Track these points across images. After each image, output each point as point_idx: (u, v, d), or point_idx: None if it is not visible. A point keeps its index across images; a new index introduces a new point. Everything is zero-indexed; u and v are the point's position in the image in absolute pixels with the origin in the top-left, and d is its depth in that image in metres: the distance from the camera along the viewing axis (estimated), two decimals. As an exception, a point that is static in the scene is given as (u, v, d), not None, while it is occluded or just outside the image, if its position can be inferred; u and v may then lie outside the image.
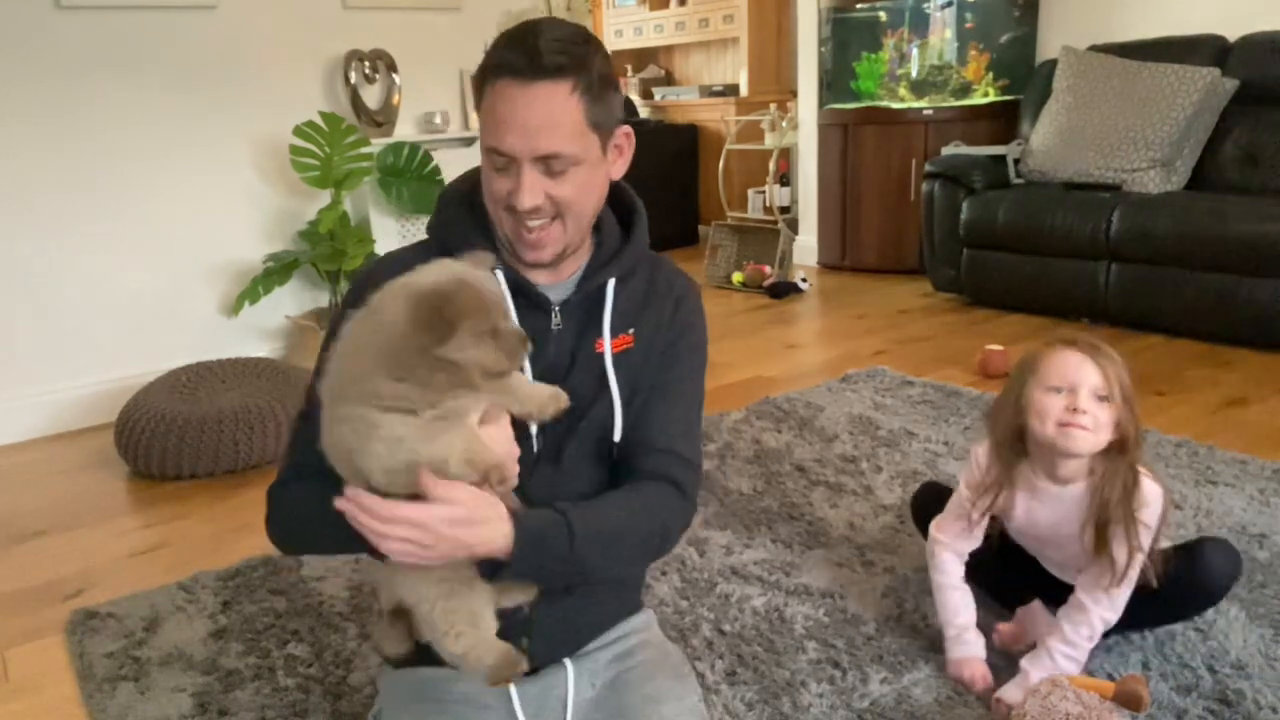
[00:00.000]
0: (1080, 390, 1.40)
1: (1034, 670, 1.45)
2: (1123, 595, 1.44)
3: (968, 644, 1.55)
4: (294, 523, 1.16)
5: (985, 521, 1.57)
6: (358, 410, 0.97)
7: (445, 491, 0.97)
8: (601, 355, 1.18)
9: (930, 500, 1.79)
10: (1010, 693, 1.45)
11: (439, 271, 0.98)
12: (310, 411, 1.16)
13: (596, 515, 1.11)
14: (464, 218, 1.17)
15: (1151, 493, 1.43)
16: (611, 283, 1.19)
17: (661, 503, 1.18)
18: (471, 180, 1.21)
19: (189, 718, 1.57)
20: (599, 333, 1.18)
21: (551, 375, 1.16)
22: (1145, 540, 1.42)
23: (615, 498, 1.16)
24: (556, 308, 1.17)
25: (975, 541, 1.59)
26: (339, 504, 0.98)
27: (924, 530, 1.71)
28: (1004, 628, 1.63)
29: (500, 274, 1.14)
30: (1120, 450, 1.43)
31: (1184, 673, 1.52)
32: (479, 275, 0.99)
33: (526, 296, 1.15)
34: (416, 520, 0.96)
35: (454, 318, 0.93)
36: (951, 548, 1.60)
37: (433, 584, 1.07)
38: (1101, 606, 1.44)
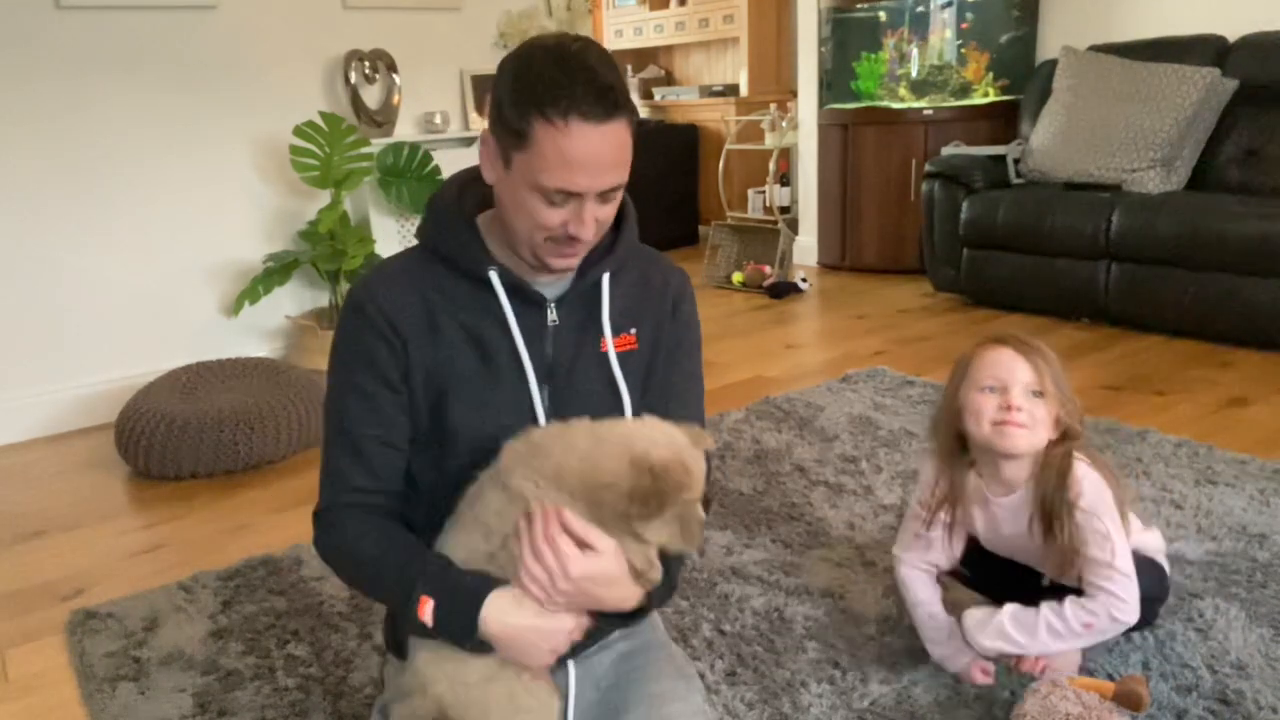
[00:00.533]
0: (1013, 388, 1.38)
1: (1008, 620, 1.41)
2: (1129, 589, 1.39)
3: (958, 658, 1.53)
4: (357, 563, 1.15)
5: (951, 537, 1.52)
6: (552, 494, 1.02)
7: (601, 542, 1.02)
8: (606, 355, 1.19)
9: None
10: (980, 633, 1.44)
11: (667, 445, 1.04)
12: (353, 432, 1.14)
13: None
14: (456, 224, 1.17)
15: (1086, 480, 1.39)
16: (606, 277, 1.19)
17: None
18: (460, 184, 1.20)
19: (189, 718, 1.57)
20: (600, 331, 1.19)
21: (554, 371, 1.16)
22: (1101, 525, 1.38)
23: None
24: (552, 304, 1.17)
25: (943, 557, 1.55)
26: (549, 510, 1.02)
27: None
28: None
29: (494, 274, 1.14)
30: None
31: (1184, 673, 1.52)
32: (695, 456, 1.05)
33: (522, 294, 1.15)
34: (567, 561, 1.01)
35: (664, 503, 1.01)
36: (914, 565, 1.56)
37: (486, 692, 1.08)
38: (1112, 595, 1.38)
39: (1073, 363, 3.19)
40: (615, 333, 1.20)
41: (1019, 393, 1.38)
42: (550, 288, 1.18)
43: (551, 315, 1.17)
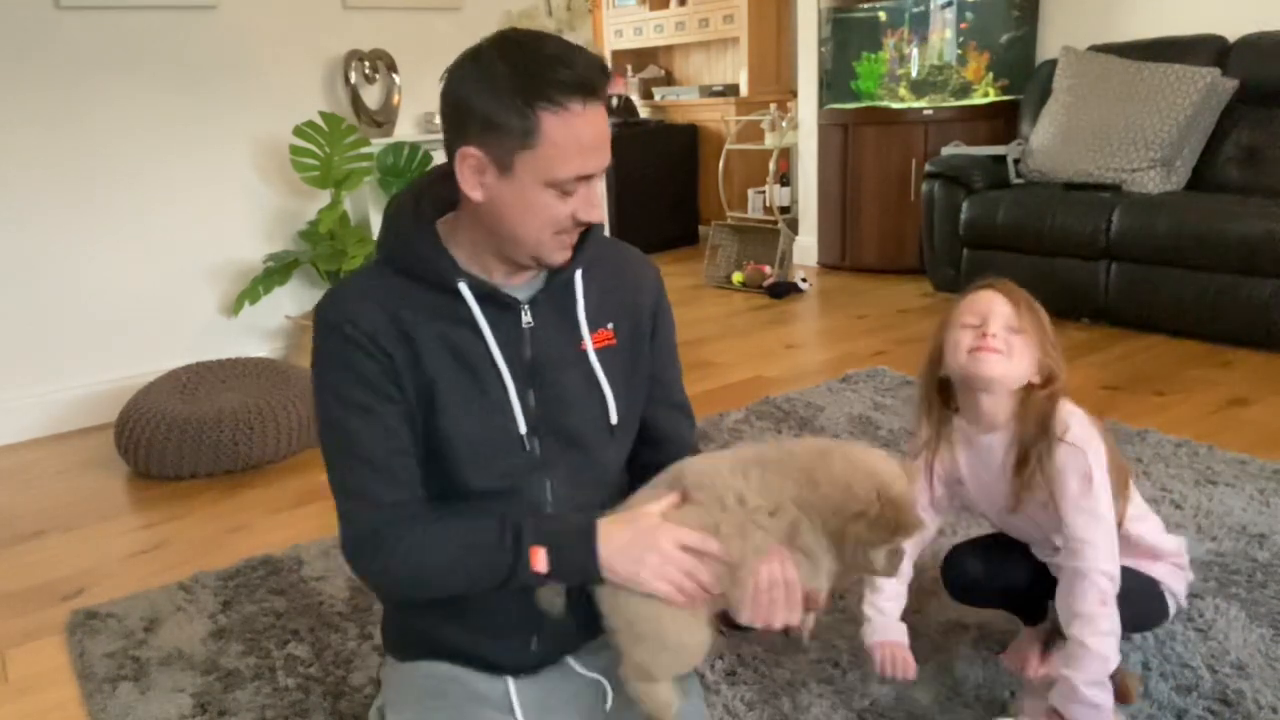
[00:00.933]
0: (991, 321, 1.39)
1: (1074, 671, 1.30)
2: (1106, 537, 1.33)
3: (886, 628, 1.47)
4: (437, 566, 1.12)
5: (932, 481, 1.50)
6: (810, 516, 1.09)
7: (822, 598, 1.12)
8: (585, 353, 1.18)
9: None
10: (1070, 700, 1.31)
11: (898, 478, 1.10)
12: (366, 451, 1.11)
13: None
14: (417, 237, 1.13)
15: (1074, 417, 1.38)
16: (579, 275, 1.18)
17: None
18: (415, 194, 1.17)
19: (189, 718, 1.57)
20: (577, 329, 1.18)
21: (534, 372, 1.15)
22: (1084, 463, 1.34)
23: None
24: (525, 306, 1.15)
25: (928, 513, 1.51)
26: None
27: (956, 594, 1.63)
28: (1007, 657, 1.59)
29: (464, 285, 1.12)
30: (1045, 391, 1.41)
31: (1184, 673, 1.52)
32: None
33: (495, 300, 1.13)
34: (794, 614, 1.10)
35: (900, 534, 1.09)
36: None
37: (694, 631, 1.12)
38: (1092, 545, 1.32)
39: (1073, 363, 3.19)
40: (593, 329, 1.19)
41: (997, 325, 1.39)
42: (521, 290, 1.16)
43: (526, 318, 1.15)
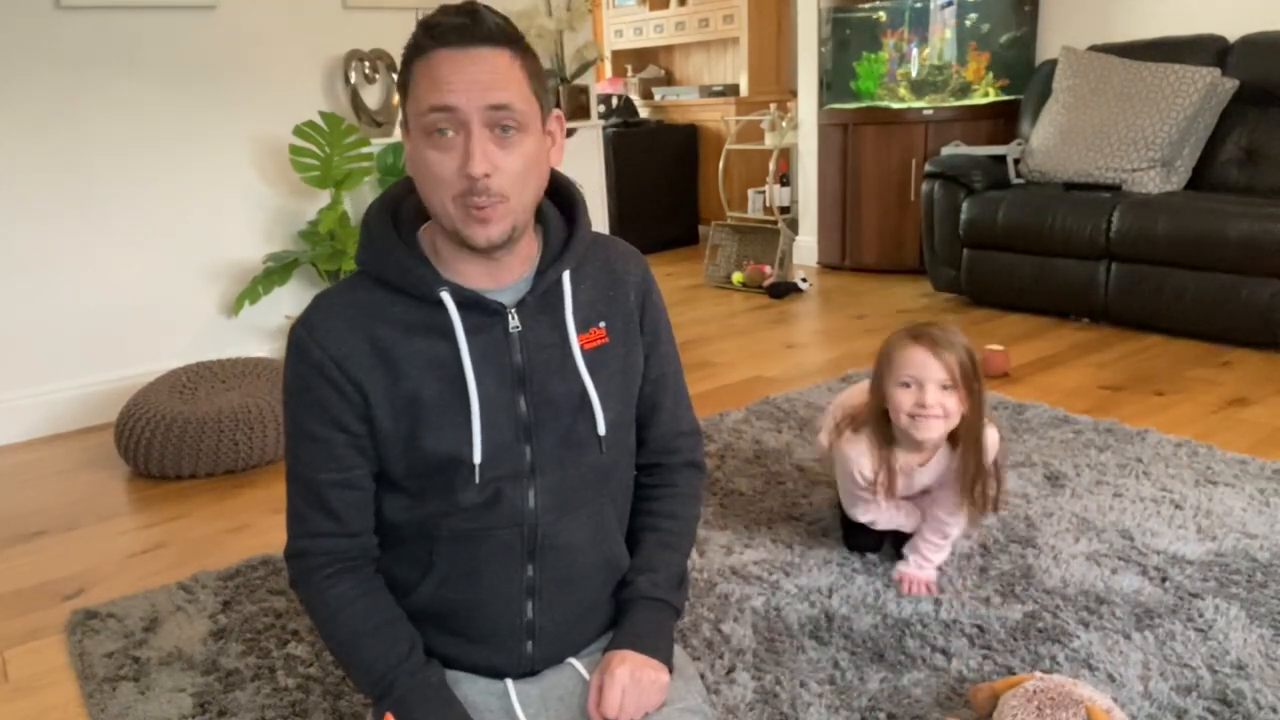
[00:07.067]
0: (927, 388, 1.59)
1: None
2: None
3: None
4: (330, 637, 1.16)
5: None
6: None
7: None
8: (574, 357, 1.15)
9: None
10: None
11: None
12: (307, 477, 1.13)
13: (669, 573, 1.27)
14: (396, 246, 1.11)
15: (989, 433, 1.68)
16: (567, 275, 1.16)
17: (691, 492, 1.35)
18: (393, 200, 1.15)
19: (189, 718, 1.57)
20: (565, 331, 1.15)
21: (526, 378, 1.13)
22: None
23: (670, 535, 1.30)
24: (511, 310, 1.12)
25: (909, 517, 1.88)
26: None
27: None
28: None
29: (446, 295, 1.09)
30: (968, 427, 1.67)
31: (1184, 673, 1.52)
32: None
33: (480, 307, 1.11)
34: None
35: None
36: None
37: None
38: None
39: (1073, 363, 3.19)
40: (584, 328, 1.17)
41: (932, 392, 1.59)
42: (506, 293, 1.13)
43: (513, 322, 1.12)
